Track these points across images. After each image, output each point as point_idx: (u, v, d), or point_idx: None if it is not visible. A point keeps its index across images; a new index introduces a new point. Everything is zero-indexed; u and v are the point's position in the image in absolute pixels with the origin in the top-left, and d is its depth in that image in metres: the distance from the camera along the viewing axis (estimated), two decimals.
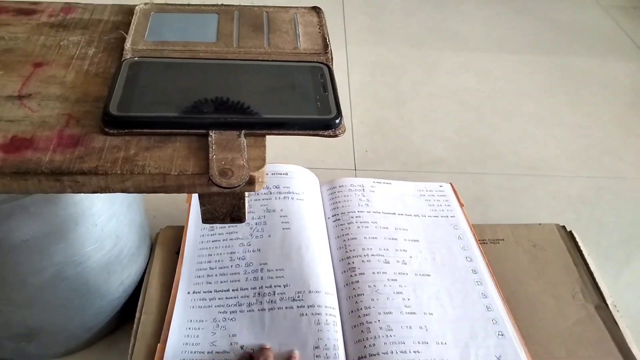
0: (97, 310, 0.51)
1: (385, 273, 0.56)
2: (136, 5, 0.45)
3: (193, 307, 0.52)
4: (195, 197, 0.62)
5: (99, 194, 0.33)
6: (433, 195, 0.67)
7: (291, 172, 0.64)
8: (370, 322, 0.52)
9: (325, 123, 0.35)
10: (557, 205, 0.73)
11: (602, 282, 0.59)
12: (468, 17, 1.19)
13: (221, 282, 0.54)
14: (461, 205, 0.66)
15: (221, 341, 0.49)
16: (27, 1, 0.45)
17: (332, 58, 0.42)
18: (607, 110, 0.92)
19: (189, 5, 0.46)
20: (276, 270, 0.54)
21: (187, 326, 0.50)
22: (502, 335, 0.52)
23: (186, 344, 0.49)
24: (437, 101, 0.92)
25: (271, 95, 0.37)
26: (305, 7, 0.48)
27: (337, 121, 0.36)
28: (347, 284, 0.55)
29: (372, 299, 0.53)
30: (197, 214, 0.61)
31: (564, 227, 0.65)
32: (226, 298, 0.53)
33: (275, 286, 0.53)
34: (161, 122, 0.34)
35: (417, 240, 0.61)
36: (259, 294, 0.52)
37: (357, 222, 0.61)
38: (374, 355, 0.49)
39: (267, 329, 0.49)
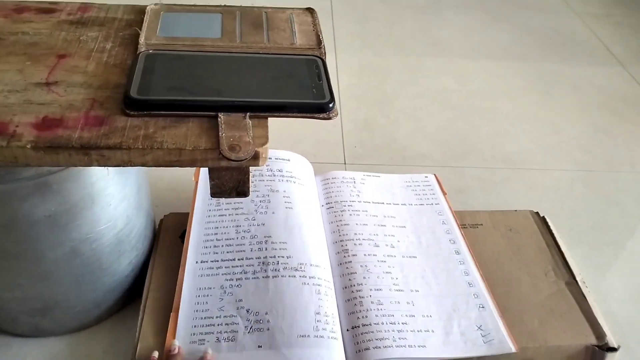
0: (108, 287, 0.55)
1: (375, 255, 0.61)
2: (147, 5, 0.50)
3: (201, 276, 0.56)
4: (202, 173, 0.67)
5: (121, 167, 0.38)
6: (419, 186, 0.73)
7: (293, 159, 0.69)
8: (363, 297, 0.56)
9: (320, 106, 0.40)
10: (532, 195, 0.79)
11: (572, 261, 0.64)
12: (448, 24, 1.25)
13: (227, 252, 0.58)
14: (444, 193, 0.71)
15: (228, 306, 0.53)
16: (46, 1, 0.50)
17: (325, 52, 0.47)
18: (578, 110, 0.99)
19: (194, 5, 0.51)
20: (280, 242, 0.58)
21: (196, 294, 0.54)
22: (483, 307, 0.57)
23: (196, 310, 0.53)
24: (420, 101, 0.97)
25: (272, 83, 0.42)
26: (300, 8, 0.53)
27: (331, 105, 0.40)
28: (340, 264, 0.60)
29: (364, 277, 0.58)
30: (204, 189, 0.65)
31: (537, 213, 0.70)
32: (232, 267, 0.57)
33: (279, 257, 0.57)
34: (176, 105, 0.39)
35: (404, 227, 0.66)
36: (263, 262, 0.56)
37: (349, 210, 0.66)
38: (366, 325, 0.54)
39: (271, 294, 0.54)
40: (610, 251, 0.72)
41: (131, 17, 0.49)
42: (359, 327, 0.54)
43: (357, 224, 0.65)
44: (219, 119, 0.38)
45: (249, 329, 0.51)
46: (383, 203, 0.69)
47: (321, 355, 0.49)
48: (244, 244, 0.59)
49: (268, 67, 0.43)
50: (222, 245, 0.59)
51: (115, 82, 0.41)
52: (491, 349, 0.53)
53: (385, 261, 0.61)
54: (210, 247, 0.59)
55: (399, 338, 0.53)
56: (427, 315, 0.56)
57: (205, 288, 0.55)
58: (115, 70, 0.43)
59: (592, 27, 1.29)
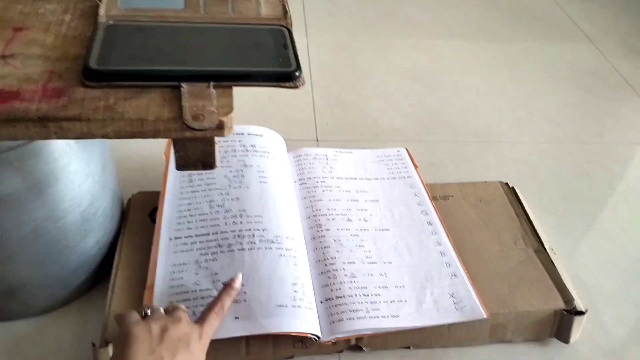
0: (75, 266, 0.54)
1: (349, 229, 0.61)
2: None
3: (176, 252, 0.55)
4: (173, 150, 0.66)
5: (82, 139, 0.37)
6: (391, 160, 0.73)
7: (266, 135, 0.69)
8: (336, 270, 0.56)
9: (286, 75, 0.40)
10: (502, 167, 0.80)
11: (540, 229, 0.65)
12: (419, 2, 1.25)
13: (201, 227, 0.58)
14: (415, 167, 0.72)
15: (204, 280, 0.53)
16: None
17: (291, 22, 0.46)
18: (547, 85, 1.00)
19: None
20: (255, 216, 0.58)
21: (171, 270, 0.54)
22: (455, 276, 0.58)
23: (172, 286, 0.52)
24: (392, 78, 0.97)
25: (237, 53, 0.41)
26: None
27: (297, 73, 0.40)
28: (314, 238, 0.60)
29: (337, 251, 0.58)
30: (175, 172, 0.64)
31: (506, 183, 0.71)
32: (207, 241, 0.56)
33: (254, 229, 0.57)
34: (136, 75, 0.38)
35: (377, 200, 0.66)
36: (238, 235, 0.56)
37: (321, 186, 0.66)
38: (340, 297, 0.54)
39: (247, 267, 0.53)
40: (579, 220, 0.73)
41: None
42: (332, 299, 0.54)
43: (330, 200, 0.65)
44: (181, 89, 0.38)
45: None
46: (355, 178, 0.69)
47: (298, 325, 0.50)
48: (218, 219, 0.58)
49: (233, 37, 0.43)
50: (196, 221, 0.58)
51: (75, 54, 0.40)
52: (463, 315, 0.54)
53: (358, 235, 0.61)
54: (183, 222, 0.58)
55: (372, 309, 0.53)
56: (400, 286, 0.56)
57: (180, 264, 0.54)
58: (75, 43, 0.41)
59: (560, 3, 1.30)
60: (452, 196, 0.69)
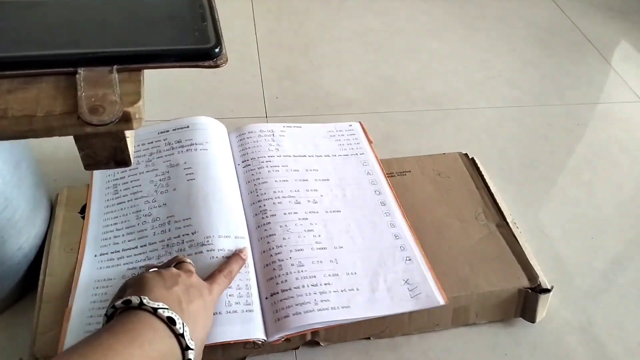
0: None
1: (297, 213, 0.57)
2: None
3: (100, 269, 0.51)
4: None
5: None
6: (343, 135, 0.68)
7: (193, 124, 0.62)
8: (282, 260, 0.52)
9: (204, 52, 0.34)
10: (461, 136, 0.76)
11: (502, 202, 0.62)
12: None
13: (129, 241, 0.53)
14: (370, 142, 0.67)
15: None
16: None
17: None
18: (505, 44, 0.96)
19: None
20: (183, 220, 0.53)
21: (94, 286, 0.49)
22: (410, 260, 0.54)
23: (93, 301, 0.48)
24: (343, 44, 0.92)
25: (145, 29, 0.35)
26: None
27: (217, 50, 0.34)
28: (258, 226, 0.55)
29: (284, 238, 0.54)
30: (100, 176, 0.59)
31: (466, 154, 0.68)
32: (134, 255, 0.52)
33: (183, 235, 0.52)
34: (21, 62, 0.32)
35: (328, 180, 0.61)
36: (167, 245, 0.52)
37: (267, 167, 0.61)
38: (286, 290, 0.50)
39: None
40: (540, 188, 0.70)
41: None
42: (277, 293, 0.50)
43: (276, 181, 0.60)
44: (77, 76, 0.32)
45: None
46: (305, 156, 0.64)
47: (235, 331, 0.46)
48: (145, 229, 0.53)
49: (140, 10, 0.37)
50: (123, 235, 0.53)
51: None
52: (418, 303, 0.50)
53: (307, 218, 0.56)
54: (109, 238, 0.53)
55: (321, 301, 0.49)
56: (351, 273, 0.52)
57: (104, 279, 0.50)
58: None
59: None
60: (410, 171, 0.65)
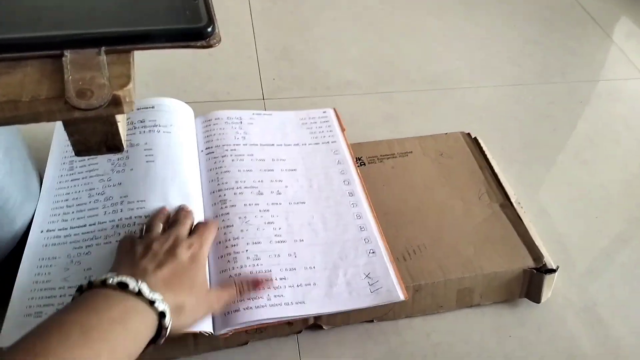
0: None
1: (258, 204, 0.55)
2: None
3: (46, 246, 0.49)
4: (57, 133, 0.59)
5: None
6: (315, 123, 0.65)
7: (159, 105, 0.60)
8: (238, 252, 0.50)
9: (195, 32, 0.33)
10: (463, 115, 0.75)
11: (506, 182, 0.61)
12: None
13: (78, 219, 0.51)
14: (343, 129, 0.64)
15: (75, 276, 0.47)
16: None
17: None
18: (505, 21, 0.94)
19: None
20: (137, 201, 0.51)
21: (37, 264, 0.48)
22: (373, 253, 0.52)
23: (36, 281, 0.47)
24: (341, 24, 0.90)
25: (134, 7, 0.34)
26: None
27: (210, 30, 0.33)
28: (216, 216, 0.54)
29: (242, 230, 0.52)
30: (57, 153, 0.58)
31: (468, 134, 0.66)
32: (82, 233, 0.50)
33: (135, 217, 0.50)
34: (3, 45, 0.30)
35: (295, 170, 0.59)
36: (117, 225, 0.50)
37: (231, 156, 0.59)
38: None
39: None
40: (543, 167, 0.69)
41: None
42: None
43: (239, 171, 0.58)
44: (63, 58, 0.30)
45: None
46: (273, 145, 0.62)
47: None
48: (97, 208, 0.52)
49: None
50: (73, 212, 0.52)
51: None
52: (377, 298, 0.49)
53: (268, 210, 0.55)
54: (59, 214, 0.52)
55: (275, 296, 0.47)
56: (310, 267, 0.51)
57: (49, 258, 0.48)
58: None
59: None
60: (411, 152, 0.64)
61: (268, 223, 0.53)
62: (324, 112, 0.67)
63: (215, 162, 0.58)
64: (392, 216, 0.57)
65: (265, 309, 0.46)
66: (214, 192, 0.55)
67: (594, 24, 0.96)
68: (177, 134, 0.58)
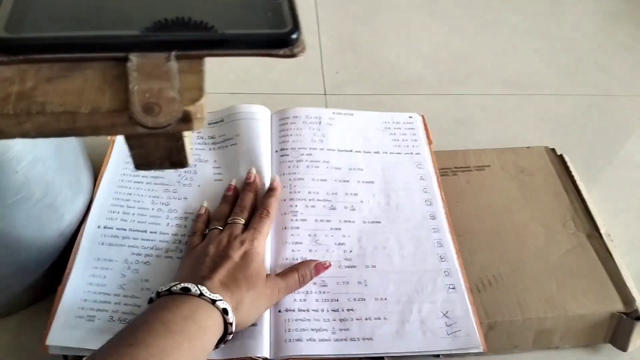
0: (36, 266, 0.45)
1: (329, 221, 0.50)
2: None
3: (102, 244, 0.47)
4: None
5: None
6: (399, 128, 0.59)
7: (227, 117, 0.57)
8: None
9: (278, 39, 0.28)
10: (544, 126, 0.68)
11: (594, 209, 0.54)
12: None
13: (138, 222, 0.48)
14: (429, 142, 0.58)
15: (131, 285, 0.44)
16: None
17: None
18: (594, 20, 0.85)
19: None
20: None
21: (93, 264, 0.45)
22: (453, 288, 0.46)
23: (91, 283, 0.44)
24: (411, 12, 0.83)
25: (209, 7, 0.29)
26: None
27: (294, 36, 0.28)
28: (285, 227, 0.50)
29: (310, 250, 0.48)
30: (123, 147, 0.54)
31: (553, 150, 0.60)
32: (142, 239, 0.47)
33: None
34: (65, 44, 0.26)
35: (372, 182, 0.54)
36: (179, 241, 0.47)
37: (307, 161, 0.54)
38: (303, 310, 0.44)
39: None
40: (636, 192, 0.62)
41: None
42: (294, 311, 0.44)
43: (313, 179, 0.53)
44: (128, 64, 0.26)
45: None
46: (351, 151, 0.56)
47: (236, 346, 0.41)
48: (159, 217, 0.49)
49: None
50: (134, 214, 0.49)
51: None
52: (455, 342, 0.43)
53: (340, 229, 0.50)
54: (118, 212, 0.49)
55: (340, 329, 0.43)
56: (381, 299, 0.46)
57: (105, 259, 0.46)
58: None
59: None
60: (489, 166, 0.58)
61: (338, 244, 0.49)
62: (410, 117, 0.60)
63: (289, 167, 0.54)
64: (465, 238, 0.51)
65: (329, 343, 0.42)
66: (285, 199, 0.52)
67: None
68: (245, 142, 0.55)
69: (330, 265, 0.47)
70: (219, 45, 0.27)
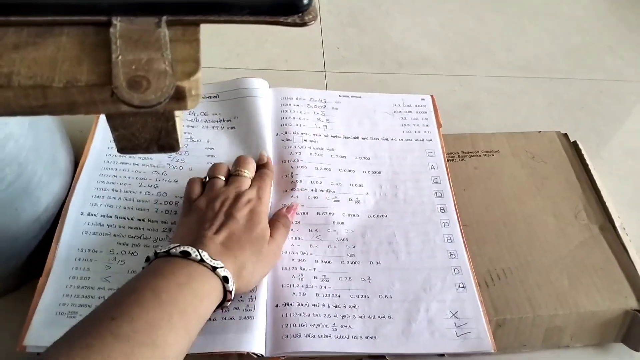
0: (10, 255, 0.41)
1: (332, 214, 0.47)
2: None
3: (86, 233, 0.43)
4: None
5: None
6: (410, 112, 0.56)
7: (222, 94, 0.53)
8: (305, 269, 0.44)
9: (288, 4, 0.24)
10: (554, 111, 0.65)
11: (609, 199, 0.51)
12: None
13: (125, 208, 0.45)
14: (439, 125, 0.55)
15: (117, 277, 0.41)
16: None
17: None
18: (607, 2, 0.82)
19: None
20: None
21: (76, 256, 0.42)
22: (464, 287, 0.44)
23: (73, 277, 0.41)
24: None
25: None
26: None
27: (306, 2, 0.24)
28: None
29: (311, 245, 0.45)
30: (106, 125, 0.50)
31: (565, 135, 0.57)
32: (129, 227, 0.44)
33: None
34: (36, 4, 0.22)
35: (379, 172, 0.51)
36: (169, 229, 0.44)
37: (310, 148, 0.51)
38: (303, 305, 0.41)
39: None
40: None
41: None
42: (292, 305, 0.41)
43: (317, 168, 0.50)
44: (111, 29, 0.22)
45: None
46: (358, 137, 0.53)
47: (228, 339, 0.38)
48: (148, 201, 0.45)
49: None
50: (120, 199, 0.45)
51: None
52: (464, 345, 0.40)
53: (343, 223, 0.47)
54: (102, 197, 0.45)
55: (342, 326, 0.40)
56: (386, 296, 0.43)
57: (89, 250, 0.42)
58: None
59: None
60: (498, 151, 0.54)
61: (341, 240, 0.46)
62: (423, 99, 0.56)
63: (291, 153, 0.50)
64: (472, 229, 0.48)
65: (330, 340, 0.39)
66: (285, 190, 0.48)
67: None
68: (243, 126, 0.51)
69: (296, 206, 0.46)
70: (218, 10, 0.24)
